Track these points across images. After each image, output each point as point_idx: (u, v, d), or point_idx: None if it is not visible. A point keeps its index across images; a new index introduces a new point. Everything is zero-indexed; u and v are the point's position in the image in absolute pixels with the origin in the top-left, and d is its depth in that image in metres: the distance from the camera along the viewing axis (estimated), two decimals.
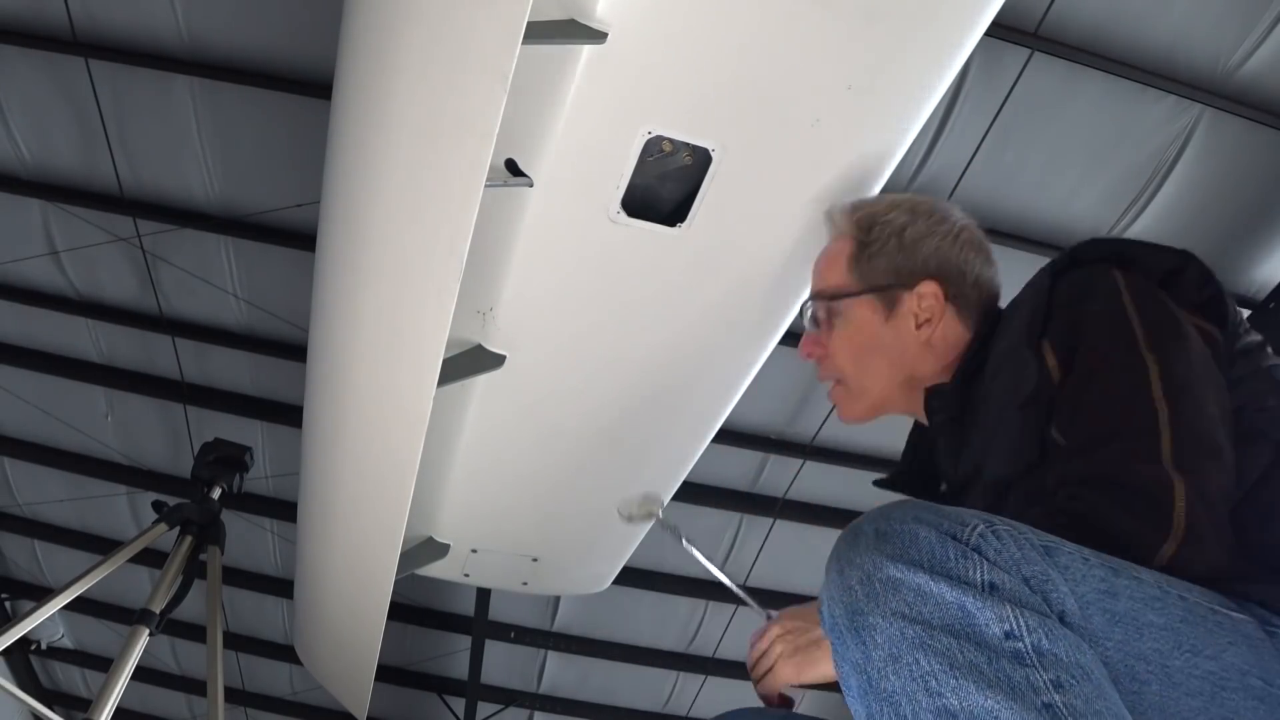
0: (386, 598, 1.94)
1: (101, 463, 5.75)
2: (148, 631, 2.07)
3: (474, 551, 2.27)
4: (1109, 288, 1.16)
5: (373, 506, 1.81)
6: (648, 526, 2.39)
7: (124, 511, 6.00)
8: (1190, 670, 0.85)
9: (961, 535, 0.82)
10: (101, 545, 6.13)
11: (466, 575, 2.33)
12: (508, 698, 6.90)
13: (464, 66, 1.28)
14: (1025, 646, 0.77)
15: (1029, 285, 1.29)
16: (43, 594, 6.60)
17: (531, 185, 1.55)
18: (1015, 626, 0.78)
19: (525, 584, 2.41)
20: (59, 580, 6.59)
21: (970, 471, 1.25)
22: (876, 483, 1.52)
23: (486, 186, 1.52)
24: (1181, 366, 1.07)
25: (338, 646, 2.28)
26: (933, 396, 1.34)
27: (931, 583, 0.80)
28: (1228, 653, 0.86)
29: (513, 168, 1.56)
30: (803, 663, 1.24)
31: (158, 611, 2.09)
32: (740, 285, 1.76)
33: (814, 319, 1.49)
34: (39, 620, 2.14)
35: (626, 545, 2.42)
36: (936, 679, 0.77)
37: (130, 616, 2.18)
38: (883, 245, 1.42)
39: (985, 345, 1.32)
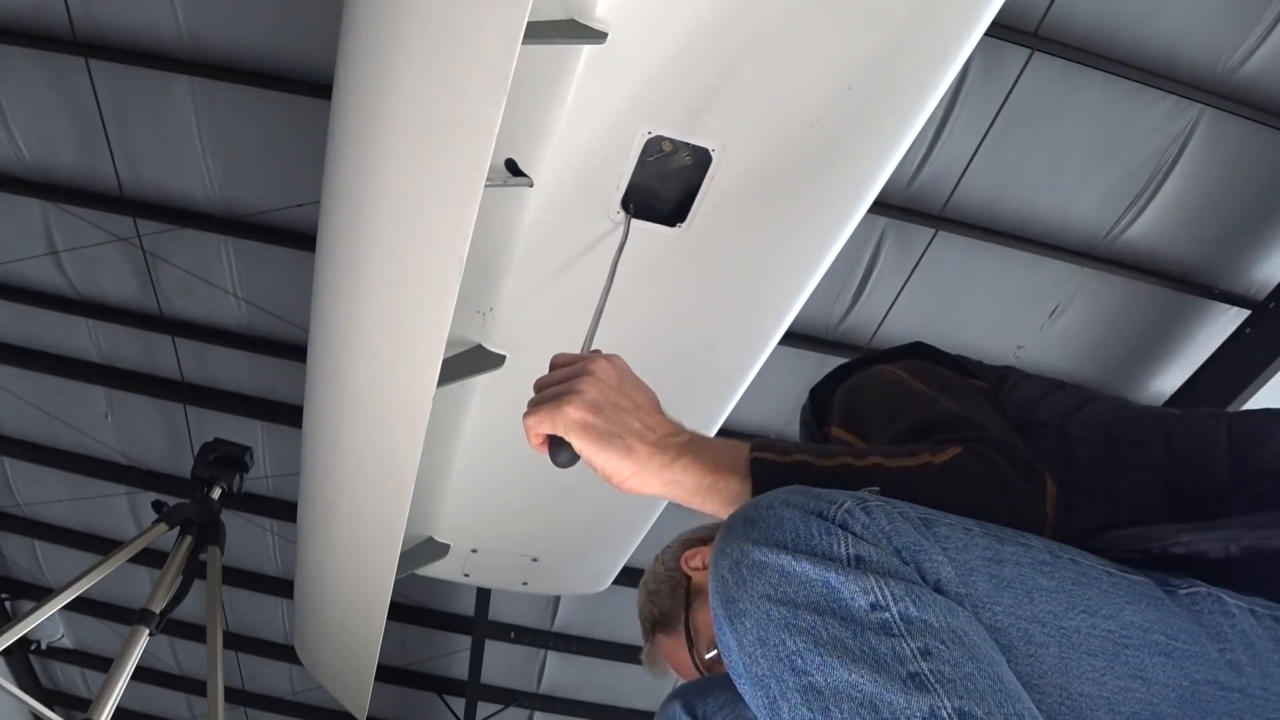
0: (387, 598, 1.94)
1: (101, 463, 5.74)
2: (148, 631, 2.07)
3: (474, 551, 2.27)
4: (872, 374, 1.22)
5: (373, 506, 1.81)
6: (649, 524, 2.40)
7: (124, 511, 5.99)
8: (1088, 630, 0.84)
9: (828, 512, 0.81)
10: (101, 545, 6.13)
11: (466, 575, 2.33)
12: (508, 698, 6.90)
13: (465, 66, 1.28)
14: (892, 616, 0.76)
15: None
16: (43, 594, 6.59)
17: (531, 185, 1.55)
18: (881, 597, 0.77)
19: (525, 584, 2.41)
20: (59, 580, 6.59)
21: None
22: None
23: (487, 186, 1.52)
24: (969, 399, 1.13)
25: (338, 646, 2.28)
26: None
27: (794, 562, 0.79)
28: (1125, 611, 0.85)
29: (513, 168, 1.56)
30: (598, 436, 0.95)
31: (158, 611, 2.09)
32: (740, 285, 1.76)
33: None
34: (39, 620, 2.14)
35: (626, 545, 2.42)
36: (802, 658, 0.76)
37: (130, 616, 2.18)
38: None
39: None
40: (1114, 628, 0.84)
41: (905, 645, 0.75)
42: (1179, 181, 3.49)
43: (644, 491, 1.00)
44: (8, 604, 6.72)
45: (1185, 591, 0.88)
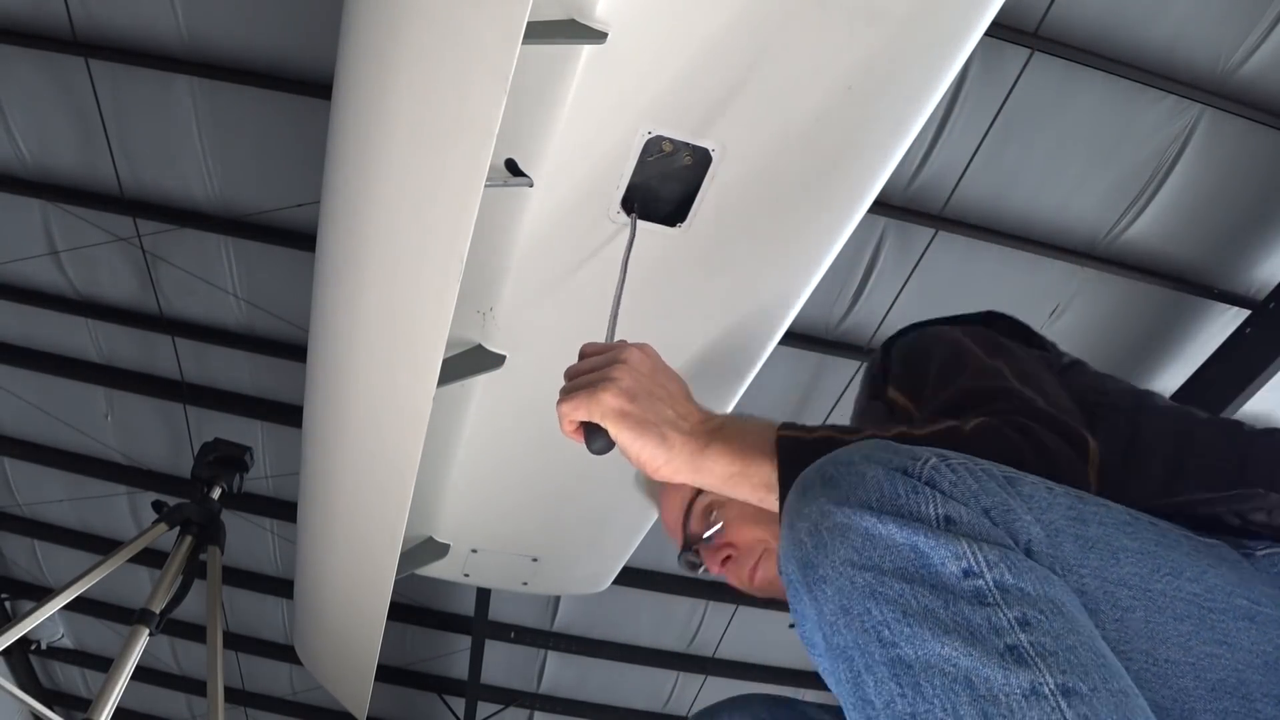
0: (387, 598, 1.94)
1: (101, 463, 5.75)
2: (148, 631, 2.07)
3: (474, 551, 2.27)
4: (934, 333, 1.20)
5: (373, 506, 1.81)
6: (649, 525, 2.39)
7: (124, 511, 5.99)
8: (1174, 594, 0.79)
9: (912, 469, 0.76)
10: (101, 545, 6.13)
11: (466, 575, 2.33)
12: (508, 698, 6.90)
13: (465, 66, 1.28)
14: (986, 583, 0.71)
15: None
16: (42, 594, 6.59)
17: (532, 185, 1.55)
18: (974, 563, 0.71)
19: (525, 584, 2.41)
20: (59, 580, 6.59)
21: None
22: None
23: (487, 186, 1.52)
24: (1026, 365, 1.08)
25: (338, 646, 2.28)
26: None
27: (880, 524, 0.73)
28: (1209, 574, 0.80)
29: (513, 168, 1.56)
30: (634, 424, 0.95)
31: (158, 611, 2.09)
32: (740, 285, 1.76)
33: (696, 535, 1.38)
34: (39, 620, 2.14)
35: (626, 545, 2.42)
36: (890, 628, 0.71)
37: (130, 616, 2.18)
38: None
39: None
40: (1199, 591, 0.80)
41: (1001, 615, 0.70)
42: (1179, 181, 3.49)
43: (676, 480, 0.99)
44: (7, 604, 6.72)
45: (1263, 553, 0.85)
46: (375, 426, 1.72)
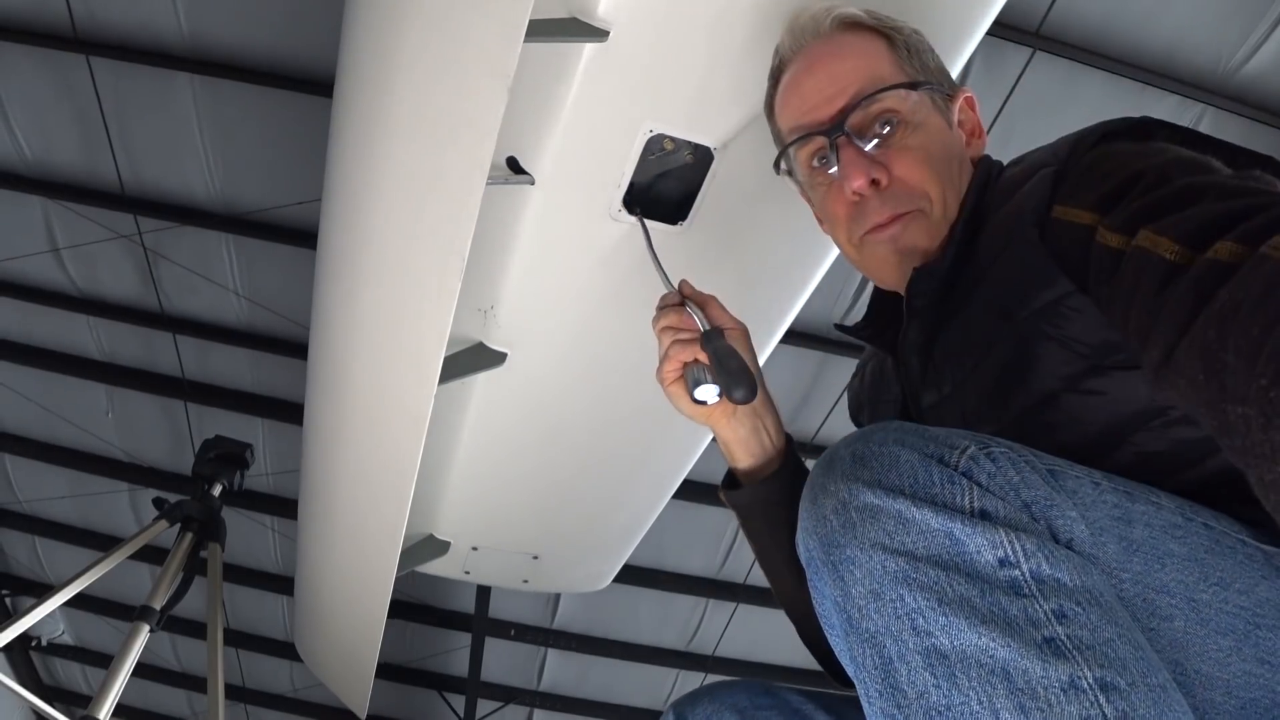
0: (387, 595, 1.94)
1: (102, 459, 5.76)
2: (148, 628, 2.07)
3: (474, 549, 2.27)
4: (1157, 147, 0.91)
5: (374, 504, 1.81)
6: (649, 524, 2.39)
7: (125, 508, 6.01)
8: (1220, 605, 0.75)
9: (949, 458, 0.73)
10: (102, 542, 6.15)
11: (467, 573, 2.33)
12: (507, 695, 6.92)
13: (466, 65, 1.28)
14: (1022, 574, 0.68)
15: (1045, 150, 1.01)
16: (43, 590, 6.64)
17: (533, 183, 1.55)
18: (1010, 552, 0.69)
19: (526, 581, 2.41)
20: (59, 577, 6.60)
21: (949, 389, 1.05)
22: (838, 327, 1.29)
23: (488, 184, 1.52)
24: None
25: (338, 644, 2.28)
26: (920, 278, 1.05)
27: (914, 508, 0.71)
28: (1260, 587, 0.75)
29: (514, 166, 1.56)
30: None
31: (158, 608, 2.09)
32: (741, 283, 1.75)
33: (861, 134, 1.08)
34: (39, 617, 2.15)
35: (627, 544, 2.42)
36: (924, 616, 0.68)
37: (131, 613, 2.18)
38: (915, 41, 1.16)
39: (977, 212, 1.05)
40: (1247, 604, 0.76)
41: (1038, 607, 0.67)
42: None
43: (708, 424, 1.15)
44: (8, 600, 6.74)
45: None
46: (376, 425, 1.72)
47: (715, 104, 1.49)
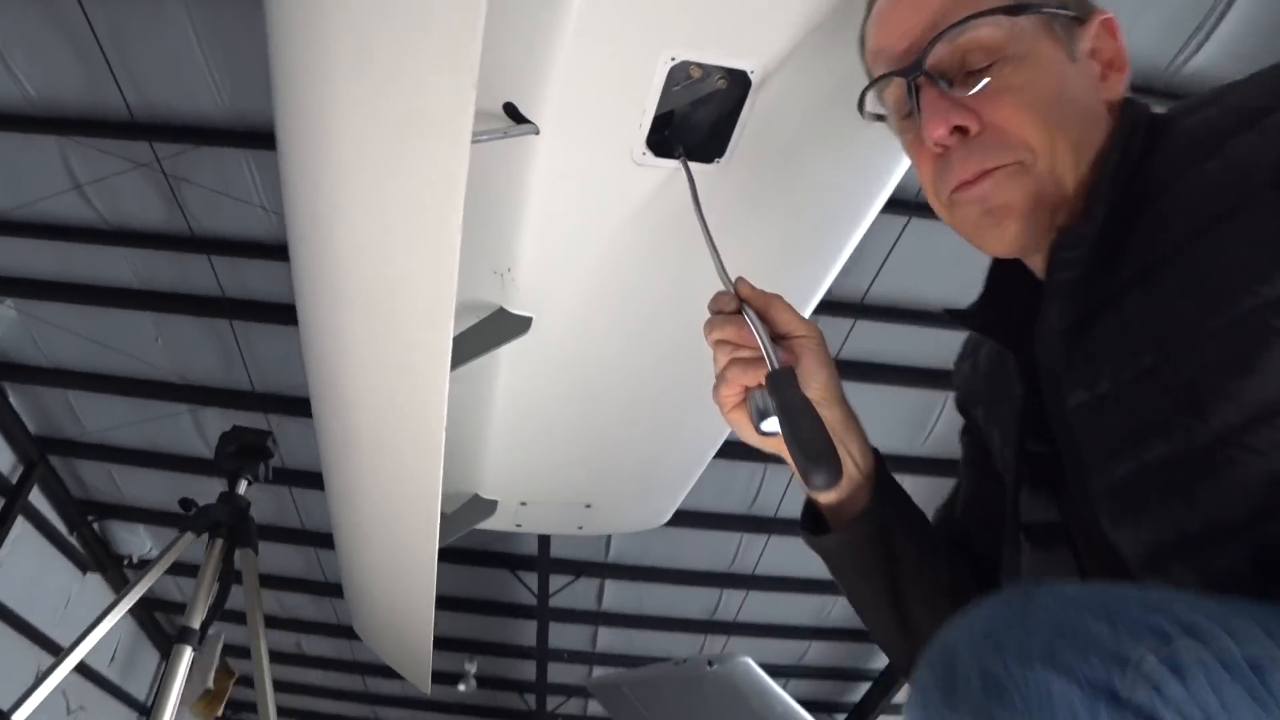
0: (433, 571, 1.81)
1: (159, 384, 5.85)
2: (190, 649, 1.97)
3: (523, 504, 2.14)
4: None
5: (403, 492, 1.67)
6: (708, 460, 2.23)
7: (188, 428, 6.12)
8: None
9: (1122, 689, 0.51)
10: (172, 462, 6.29)
11: (519, 525, 2.21)
12: (577, 569, 7.14)
13: None
14: None
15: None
16: (127, 512, 6.85)
17: (538, 132, 1.32)
18: None
19: (580, 528, 2.29)
20: (136, 499, 6.80)
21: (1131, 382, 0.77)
22: (948, 312, 1.03)
23: (487, 139, 1.29)
24: None
25: (393, 624, 2.19)
26: (1067, 241, 0.83)
27: None
28: None
29: (513, 113, 1.32)
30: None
31: (197, 627, 2.00)
32: (789, 222, 1.52)
33: (945, 73, 0.89)
34: (59, 680, 2.01)
35: (684, 481, 2.27)
36: None
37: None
38: None
39: (1146, 161, 0.82)
40: None
41: None
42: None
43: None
44: (96, 525, 6.98)
45: None
46: (392, 419, 1.55)
47: (747, 20, 1.22)
